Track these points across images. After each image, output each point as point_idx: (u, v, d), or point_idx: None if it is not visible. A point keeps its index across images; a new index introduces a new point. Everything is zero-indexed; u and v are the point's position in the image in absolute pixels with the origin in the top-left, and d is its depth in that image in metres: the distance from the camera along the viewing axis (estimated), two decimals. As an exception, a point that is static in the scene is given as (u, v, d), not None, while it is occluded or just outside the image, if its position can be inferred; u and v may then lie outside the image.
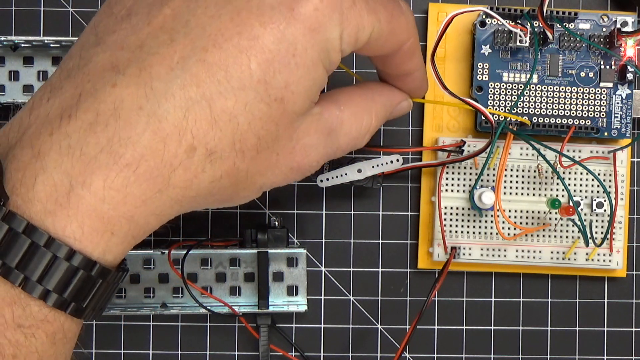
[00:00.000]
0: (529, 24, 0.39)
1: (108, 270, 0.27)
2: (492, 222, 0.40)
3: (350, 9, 0.28)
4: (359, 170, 0.39)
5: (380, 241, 0.42)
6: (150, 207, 0.26)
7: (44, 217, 0.25)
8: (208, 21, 0.26)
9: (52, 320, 0.26)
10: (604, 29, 0.40)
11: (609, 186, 0.40)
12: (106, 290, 0.28)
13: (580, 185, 0.40)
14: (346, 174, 0.39)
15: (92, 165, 0.25)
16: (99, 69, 0.26)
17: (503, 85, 0.40)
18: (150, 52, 0.26)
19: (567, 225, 0.40)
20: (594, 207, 0.40)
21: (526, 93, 0.40)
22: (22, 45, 0.40)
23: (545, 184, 0.40)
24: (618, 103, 0.40)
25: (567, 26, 0.39)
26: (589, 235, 0.38)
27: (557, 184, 0.40)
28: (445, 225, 0.40)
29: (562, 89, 0.40)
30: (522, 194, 0.40)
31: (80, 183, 0.25)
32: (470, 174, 0.40)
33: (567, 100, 0.40)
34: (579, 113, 0.40)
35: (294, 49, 0.27)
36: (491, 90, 0.40)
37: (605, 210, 0.40)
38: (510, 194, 0.40)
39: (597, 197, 0.40)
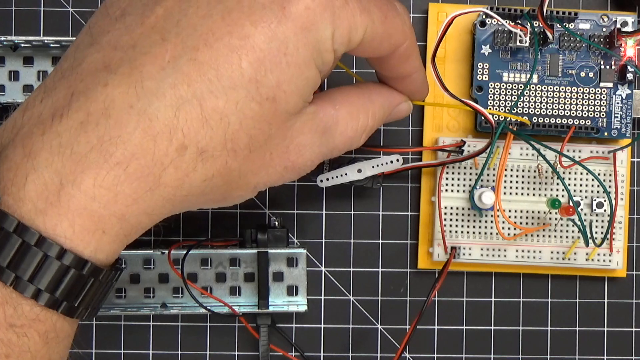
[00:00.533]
0: (529, 24, 0.39)
1: (100, 269, 0.27)
2: (492, 222, 0.40)
3: (342, 8, 0.27)
4: (359, 170, 0.39)
5: (380, 241, 0.42)
6: (142, 206, 0.26)
7: (35, 216, 0.25)
8: (199, 21, 0.26)
9: (44, 319, 0.26)
10: (604, 29, 0.40)
11: (609, 186, 0.40)
12: (99, 289, 0.28)
13: (580, 185, 0.40)
14: (346, 174, 0.39)
15: (82, 164, 0.25)
16: (91, 69, 0.26)
17: (503, 85, 0.40)
18: (142, 51, 0.26)
19: (567, 225, 0.40)
20: (594, 207, 0.40)
21: (526, 93, 0.40)
22: (22, 45, 0.40)
23: (545, 184, 0.40)
24: (618, 103, 0.40)
25: (567, 26, 0.39)
26: (589, 235, 0.38)
27: (557, 184, 0.40)
28: (445, 225, 0.40)
29: (562, 89, 0.40)
30: (522, 194, 0.40)
31: (71, 182, 0.25)
32: (470, 174, 0.40)
33: (567, 100, 0.40)
34: (579, 113, 0.40)
35: (285, 47, 0.27)
36: (491, 90, 0.40)
37: (605, 210, 0.40)
38: (510, 194, 0.40)
39: (597, 197, 0.40)
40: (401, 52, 0.31)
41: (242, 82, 0.26)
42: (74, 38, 0.39)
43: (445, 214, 0.40)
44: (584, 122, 0.40)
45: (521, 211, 0.40)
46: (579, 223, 0.38)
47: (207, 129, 0.26)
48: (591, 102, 0.40)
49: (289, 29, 0.26)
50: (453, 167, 0.40)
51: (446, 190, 0.40)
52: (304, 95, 0.28)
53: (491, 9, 0.38)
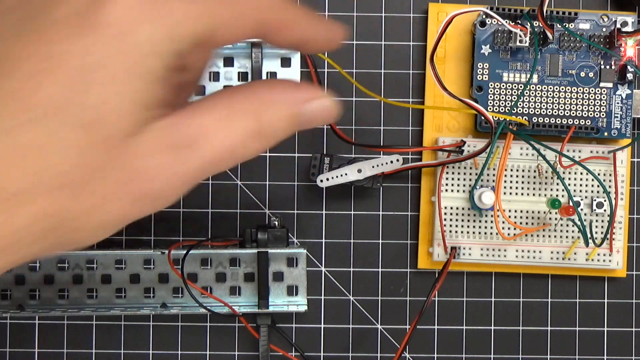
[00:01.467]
0: (529, 24, 0.39)
1: None
2: (492, 222, 0.40)
3: (155, 6, 0.23)
4: (359, 170, 0.39)
5: (380, 241, 0.42)
6: None
7: None
8: None
9: None
10: (604, 29, 0.40)
11: (609, 186, 0.40)
12: None
13: (580, 185, 0.40)
14: (346, 174, 0.39)
15: None
16: None
17: (503, 85, 0.40)
18: None
19: (567, 225, 0.40)
20: (594, 207, 0.40)
21: (526, 93, 0.40)
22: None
23: (545, 184, 0.40)
24: (618, 103, 0.40)
25: (567, 26, 0.39)
26: (589, 235, 0.38)
27: (557, 184, 0.40)
28: (445, 225, 0.40)
29: (562, 89, 0.40)
30: (522, 194, 0.40)
31: None
32: (470, 174, 0.40)
33: (567, 100, 0.40)
34: (579, 113, 0.40)
35: (100, 61, 0.22)
36: (491, 91, 0.40)
37: (605, 210, 0.40)
38: (510, 194, 0.40)
39: (597, 197, 0.40)
40: (273, 25, 0.26)
41: (55, 108, 0.22)
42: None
43: (445, 214, 0.40)
44: (584, 122, 0.40)
45: (521, 211, 0.40)
46: (579, 223, 0.38)
47: (19, 168, 0.22)
48: (591, 102, 0.40)
49: (100, 41, 0.23)
50: (453, 167, 0.40)
51: (446, 190, 0.40)
52: (138, 111, 0.23)
53: (491, 8, 0.38)
